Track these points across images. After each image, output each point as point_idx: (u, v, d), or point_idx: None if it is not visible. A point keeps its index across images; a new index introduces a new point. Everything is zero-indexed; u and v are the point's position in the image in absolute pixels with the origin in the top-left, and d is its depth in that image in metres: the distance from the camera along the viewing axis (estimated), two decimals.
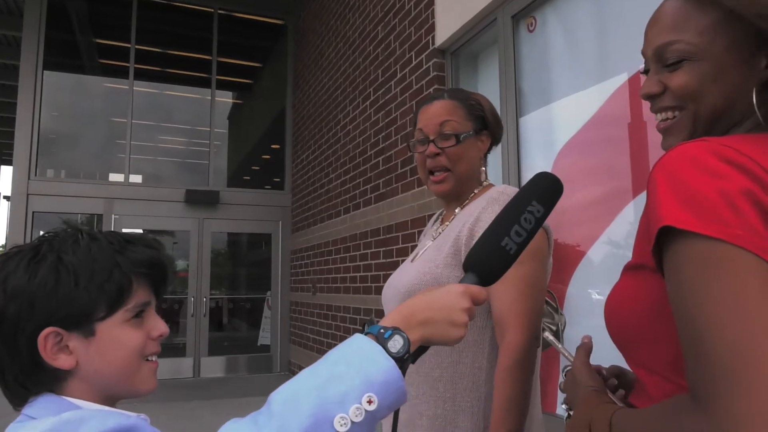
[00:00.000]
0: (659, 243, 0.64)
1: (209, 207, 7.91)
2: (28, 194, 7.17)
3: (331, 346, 5.76)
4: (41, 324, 0.74)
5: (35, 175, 7.31)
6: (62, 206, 7.36)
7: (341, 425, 0.57)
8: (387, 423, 1.30)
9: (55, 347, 0.75)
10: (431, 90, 3.79)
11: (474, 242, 0.78)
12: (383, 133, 4.65)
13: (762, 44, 0.71)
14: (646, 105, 0.83)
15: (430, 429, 1.24)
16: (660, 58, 0.77)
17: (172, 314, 7.81)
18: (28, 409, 0.75)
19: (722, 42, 0.72)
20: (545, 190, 0.77)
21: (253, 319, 8.40)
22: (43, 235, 0.81)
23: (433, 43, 3.79)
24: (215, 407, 5.81)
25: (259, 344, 8.17)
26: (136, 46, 8.00)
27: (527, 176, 3.00)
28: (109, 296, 0.77)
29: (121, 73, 7.96)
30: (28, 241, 0.89)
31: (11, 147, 7.57)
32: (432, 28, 3.80)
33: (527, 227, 0.74)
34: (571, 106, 2.76)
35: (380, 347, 0.62)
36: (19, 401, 0.77)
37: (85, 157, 8.07)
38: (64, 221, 7.31)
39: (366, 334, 0.65)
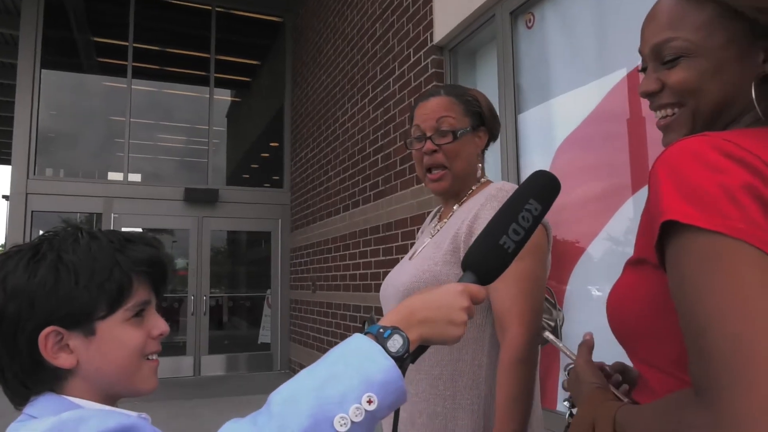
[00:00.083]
0: (661, 238, 0.64)
1: (208, 205, 7.91)
2: (27, 193, 7.17)
3: (331, 344, 5.77)
4: (41, 323, 0.74)
5: (34, 174, 7.30)
6: (61, 205, 7.35)
7: (341, 425, 0.57)
8: (387, 423, 1.29)
9: (55, 346, 0.75)
10: (430, 87, 3.79)
11: (473, 240, 0.79)
12: (382, 131, 4.65)
13: (758, 39, 0.71)
14: (644, 101, 0.83)
15: (430, 427, 1.23)
16: (657, 55, 0.77)
17: (172, 313, 7.81)
18: (30, 408, 0.75)
19: (719, 38, 0.72)
20: (543, 188, 0.77)
21: (253, 317, 8.41)
22: (43, 234, 0.81)
23: (431, 40, 3.78)
24: (215, 405, 5.82)
25: (259, 342, 8.17)
26: (134, 45, 7.99)
27: (526, 173, 3.00)
28: (109, 295, 0.77)
29: (119, 71, 7.94)
30: (27, 240, 0.89)
31: (10, 146, 7.56)
32: (430, 25, 3.80)
33: (525, 225, 0.74)
34: (570, 102, 2.76)
35: (380, 347, 0.62)
36: (20, 400, 0.77)
37: (83, 156, 8.06)
38: (63, 220, 7.30)
39: (365, 334, 0.64)
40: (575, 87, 2.72)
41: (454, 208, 1.40)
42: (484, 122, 1.41)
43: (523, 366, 1.15)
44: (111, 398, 0.80)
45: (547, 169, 2.84)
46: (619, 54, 2.45)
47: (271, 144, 8.65)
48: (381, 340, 0.63)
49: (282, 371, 7.88)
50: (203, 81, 8.40)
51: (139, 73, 8.02)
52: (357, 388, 0.59)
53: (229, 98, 9.05)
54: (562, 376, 0.90)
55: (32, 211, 7.19)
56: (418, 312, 0.68)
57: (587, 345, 0.89)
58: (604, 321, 0.80)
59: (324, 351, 5.88)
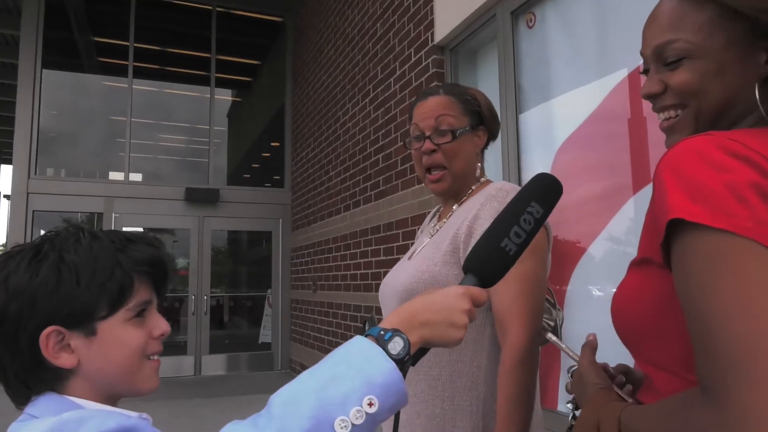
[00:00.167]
0: (667, 237, 0.64)
1: (209, 205, 7.92)
2: (28, 193, 7.17)
3: (331, 344, 5.77)
4: (43, 323, 0.74)
5: (35, 173, 7.31)
6: (62, 205, 7.36)
7: (342, 427, 0.57)
8: (387, 425, 1.29)
9: (56, 346, 0.75)
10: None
11: (473, 241, 0.78)
12: (383, 131, 4.65)
13: (759, 39, 0.71)
14: (646, 101, 0.83)
15: (428, 428, 1.22)
16: (659, 57, 0.77)
17: (172, 312, 7.82)
18: (31, 408, 0.75)
19: (720, 39, 0.72)
20: (544, 191, 0.77)
21: (254, 316, 8.41)
22: (44, 234, 0.81)
23: (432, 40, 3.78)
24: (216, 405, 5.82)
25: (260, 342, 8.18)
26: (135, 44, 7.99)
27: (527, 173, 3.00)
28: (110, 295, 0.77)
29: (120, 71, 7.95)
30: (28, 240, 0.89)
31: (11, 146, 7.56)
32: (431, 25, 3.80)
33: (527, 228, 0.74)
34: (571, 102, 2.76)
35: (380, 349, 0.62)
36: (21, 400, 0.77)
37: (84, 156, 8.07)
38: (64, 220, 7.32)
39: (366, 336, 0.64)
40: (576, 87, 2.72)
41: (454, 207, 1.39)
42: (483, 121, 1.40)
43: (524, 368, 1.15)
44: (112, 398, 0.80)
45: (548, 169, 2.84)
46: (620, 54, 2.45)
47: (272, 144, 8.65)
48: (382, 342, 0.63)
49: (283, 371, 7.88)
50: (204, 81, 8.40)
51: (139, 73, 8.02)
52: (358, 389, 0.59)
53: (230, 98, 9.06)
54: (565, 378, 0.90)
55: (33, 211, 7.20)
56: (419, 314, 0.68)
57: (590, 346, 0.89)
58: (605, 321, 0.80)
59: (325, 351, 5.88)
